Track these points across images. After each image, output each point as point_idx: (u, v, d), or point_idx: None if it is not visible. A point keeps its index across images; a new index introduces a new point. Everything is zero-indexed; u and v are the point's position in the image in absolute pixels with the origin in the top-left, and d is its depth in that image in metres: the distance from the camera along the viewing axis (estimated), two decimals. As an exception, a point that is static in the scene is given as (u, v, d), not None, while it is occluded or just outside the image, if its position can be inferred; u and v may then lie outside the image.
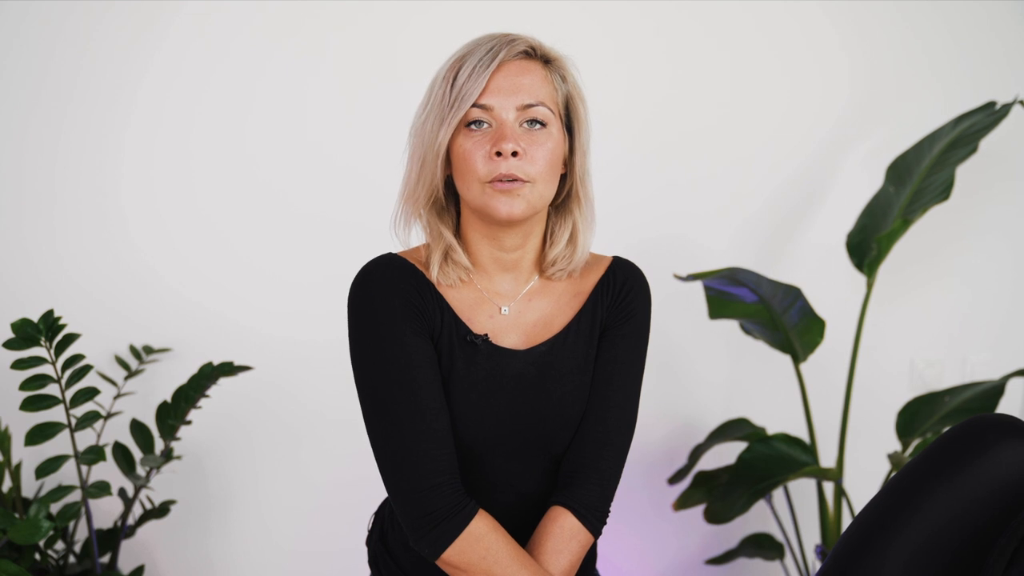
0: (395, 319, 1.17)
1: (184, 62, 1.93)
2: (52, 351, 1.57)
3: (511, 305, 1.24)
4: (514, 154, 1.12)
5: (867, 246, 2.00)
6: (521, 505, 1.24)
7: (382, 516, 1.35)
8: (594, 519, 1.21)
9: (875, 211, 2.05)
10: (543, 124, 1.15)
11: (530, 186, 1.14)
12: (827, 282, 2.17)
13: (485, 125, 1.14)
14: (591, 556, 1.35)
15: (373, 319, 1.17)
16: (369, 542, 1.36)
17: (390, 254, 1.22)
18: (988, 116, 1.95)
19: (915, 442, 1.92)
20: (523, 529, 1.23)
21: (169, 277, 1.97)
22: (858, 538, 1.21)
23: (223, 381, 1.92)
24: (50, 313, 1.57)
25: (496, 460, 1.22)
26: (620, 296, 1.26)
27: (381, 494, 1.41)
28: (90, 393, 1.59)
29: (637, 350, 1.25)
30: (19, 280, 1.91)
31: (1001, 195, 2.25)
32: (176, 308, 1.98)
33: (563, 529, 1.20)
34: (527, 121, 1.15)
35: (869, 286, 1.97)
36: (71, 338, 1.58)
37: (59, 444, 1.75)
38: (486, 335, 1.21)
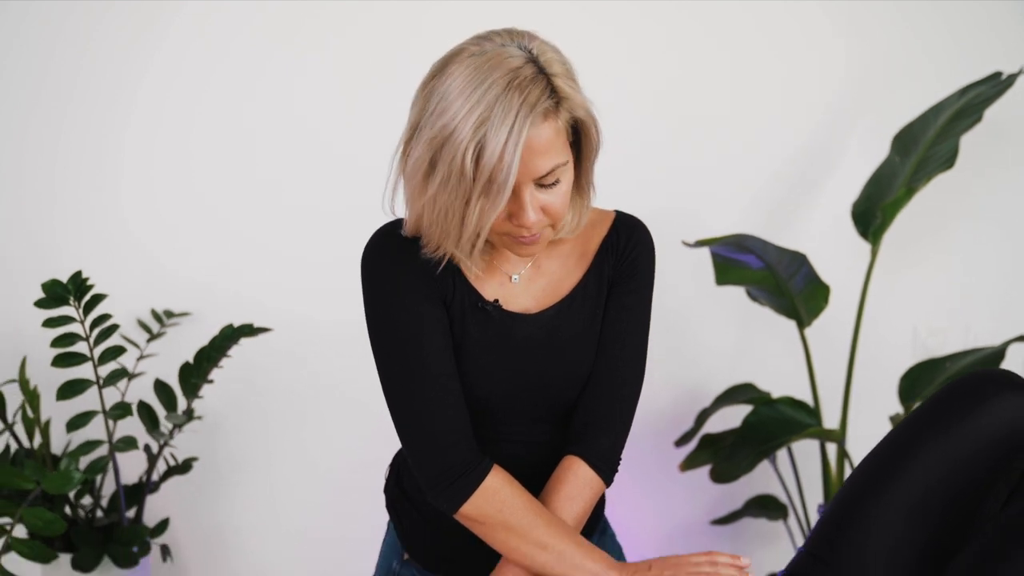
0: (408, 283, 1.20)
1: (185, 50, 1.97)
2: (80, 310, 1.62)
3: (521, 272, 1.27)
4: None
5: (872, 215, 2.03)
6: (530, 455, 1.29)
7: (397, 464, 1.41)
8: (606, 468, 1.26)
9: (880, 181, 2.09)
10: (558, 179, 1.12)
11: (549, 229, 1.17)
12: (833, 251, 2.21)
13: None
14: (600, 502, 1.40)
15: (386, 283, 1.21)
16: (387, 489, 1.42)
17: (402, 220, 1.24)
18: (993, 87, 1.98)
19: (917, 406, 1.96)
20: (533, 478, 1.28)
21: (185, 249, 2.04)
22: (858, 488, 1.25)
23: (239, 350, 1.97)
24: (78, 274, 1.62)
25: (506, 416, 1.27)
26: (625, 253, 1.28)
27: (396, 446, 1.47)
28: (117, 351, 1.65)
29: (643, 304, 1.29)
30: (44, 247, 1.97)
31: (1005, 164, 2.27)
32: (192, 279, 2.04)
33: (576, 477, 1.25)
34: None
35: (873, 254, 2.00)
36: (98, 298, 1.64)
37: (87, 403, 1.80)
38: (497, 301, 1.25)
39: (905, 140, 2.07)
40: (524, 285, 1.27)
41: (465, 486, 1.19)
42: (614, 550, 1.46)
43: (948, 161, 1.93)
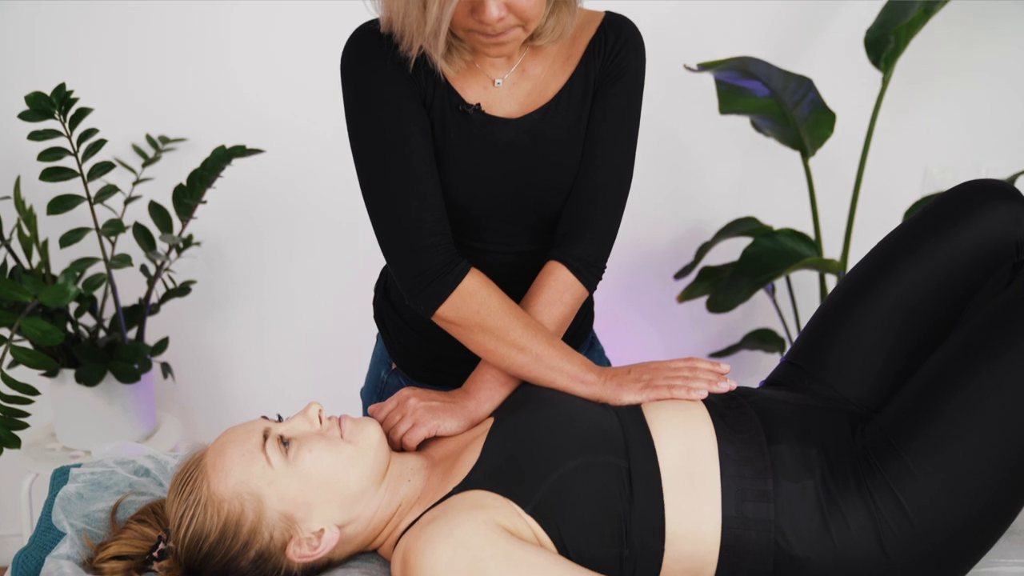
0: (386, 83, 1.17)
1: None
2: (66, 124, 1.60)
3: (504, 76, 1.23)
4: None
5: (885, 41, 1.95)
6: (513, 263, 1.29)
7: (385, 277, 1.42)
8: (589, 274, 1.26)
9: (896, 7, 1.99)
10: None
11: (519, 29, 1.11)
12: (843, 81, 2.13)
13: None
14: (588, 315, 1.40)
15: (365, 83, 1.18)
16: (375, 303, 1.42)
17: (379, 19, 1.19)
18: (1024, -100, 1.86)
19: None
20: (517, 287, 1.27)
21: (181, 76, 1.99)
22: (843, 297, 1.25)
23: (237, 178, 1.95)
24: (62, 86, 1.59)
25: (490, 223, 1.26)
26: (612, 53, 1.22)
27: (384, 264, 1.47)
28: (106, 167, 1.63)
29: (631, 107, 1.24)
30: (42, 72, 1.93)
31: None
32: (187, 106, 2.01)
33: (557, 281, 1.25)
34: None
35: (884, 82, 1.94)
36: (84, 112, 1.61)
37: (80, 220, 1.81)
38: (478, 105, 1.21)
39: (927, -38, 1.97)
40: (508, 89, 1.23)
41: (442, 288, 1.19)
42: (601, 364, 1.47)
43: (969, -20, 1.83)
